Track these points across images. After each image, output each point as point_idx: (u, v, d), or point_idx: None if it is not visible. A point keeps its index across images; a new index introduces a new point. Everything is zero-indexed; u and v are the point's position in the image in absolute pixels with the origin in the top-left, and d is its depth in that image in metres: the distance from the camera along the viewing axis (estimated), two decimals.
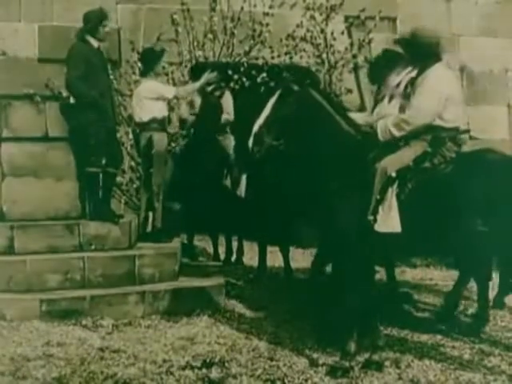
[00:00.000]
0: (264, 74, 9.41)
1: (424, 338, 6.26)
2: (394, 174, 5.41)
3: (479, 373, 5.46)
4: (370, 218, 5.38)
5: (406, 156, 5.47)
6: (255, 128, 5.54)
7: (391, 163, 5.41)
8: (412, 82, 5.59)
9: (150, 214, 8.02)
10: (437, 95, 5.43)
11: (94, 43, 7.50)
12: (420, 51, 5.55)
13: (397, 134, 5.45)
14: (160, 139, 7.90)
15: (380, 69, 6.56)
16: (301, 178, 6.09)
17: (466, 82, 10.85)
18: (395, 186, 5.42)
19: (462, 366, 5.61)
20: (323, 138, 5.58)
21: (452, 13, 10.86)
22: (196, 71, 8.80)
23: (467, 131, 6.01)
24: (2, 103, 7.44)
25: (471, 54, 10.83)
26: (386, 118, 5.57)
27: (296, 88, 5.59)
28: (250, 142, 5.56)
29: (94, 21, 7.44)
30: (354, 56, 9.62)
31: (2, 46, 9.30)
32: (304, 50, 9.64)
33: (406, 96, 5.60)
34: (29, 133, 7.41)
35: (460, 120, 5.61)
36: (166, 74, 9.03)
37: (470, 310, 6.90)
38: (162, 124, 7.92)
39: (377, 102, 6.47)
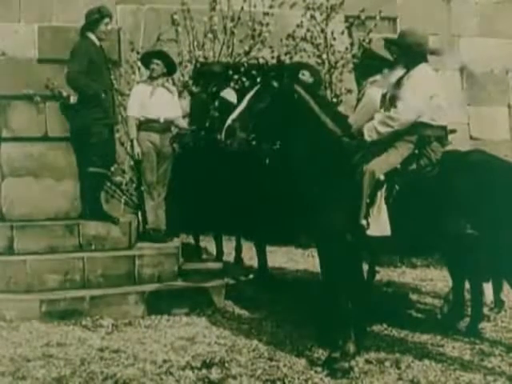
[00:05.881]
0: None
1: (424, 338, 6.25)
2: (382, 178, 5.42)
3: (479, 373, 5.46)
4: (363, 222, 5.39)
5: (392, 159, 5.48)
6: (228, 121, 5.57)
7: (379, 167, 5.42)
8: (398, 81, 5.61)
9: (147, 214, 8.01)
10: (422, 93, 5.46)
11: (96, 41, 7.48)
12: (407, 51, 5.56)
13: (383, 130, 5.45)
14: (144, 138, 7.89)
15: (364, 68, 6.61)
16: (285, 178, 6.10)
17: (467, 82, 10.85)
18: (383, 189, 5.43)
19: (463, 366, 5.61)
20: (304, 136, 5.59)
21: (452, 13, 10.86)
22: (200, 73, 8.81)
23: (454, 131, 6.01)
24: (2, 103, 7.44)
25: (471, 54, 10.83)
26: (373, 120, 5.59)
27: (275, 84, 5.59)
28: (223, 135, 5.58)
29: (94, 18, 7.42)
30: (354, 56, 9.60)
31: (2, 46, 9.28)
32: (304, 50, 9.62)
33: (393, 94, 5.60)
34: (28, 133, 7.41)
35: (447, 119, 5.61)
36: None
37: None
38: (155, 123, 7.92)
39: (359, 101, 6.50)
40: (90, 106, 7.30)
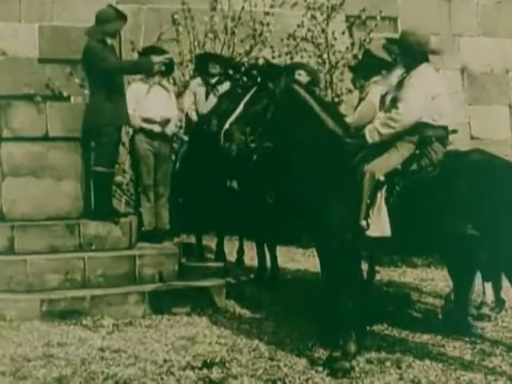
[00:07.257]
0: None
1: (425, 338, 6.25)
2: (382, 178, 5.41)
3: (480, 373, 5.45)
4: (363, 223, 5.39)
5: (393, 159, 5.46)
6: (226, 125, 5.56)
7: (379, 167, 5.41)
8: (400, 82, 5.60)
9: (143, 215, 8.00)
10: (423, 93, 5.44)
11: (108, 41, 7.41)
12: (408, 51, 5.56)
13: (384, 131, 5.44)
14: (141, 140, 7.87)
15: (364, 69, 6.60)
16: (286, 178, 6.10)
17: (467, 82, 10.86)
18: (384, 190, 5.42)
19: (463, 366, 5.60)
20: (305, 136, 5.58)
21: (452, 13, 10.88)
22: (201, 62, 8.80)
23: (455, 131, 6.00)
24: (2, 103, 7.41)
25: (472, 54, 10.85)
26: (374, 121, 5.59)
27: (271, 86, 5.59)
28: (221, 138, 5.58)
29: (109, 19, 7.34)
30: (355, 56, 9.61)
31: (2, 45, 9.30)
32: (305, 50, 9.65)
33: (395, 95, 5.60)
34: (29, 133, 7.38)
35: (448, 120, 5.61)
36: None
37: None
38: (153, 124, 7.90)
39: (360, 100, 6.50)
40: (103, 105, 7.26)
